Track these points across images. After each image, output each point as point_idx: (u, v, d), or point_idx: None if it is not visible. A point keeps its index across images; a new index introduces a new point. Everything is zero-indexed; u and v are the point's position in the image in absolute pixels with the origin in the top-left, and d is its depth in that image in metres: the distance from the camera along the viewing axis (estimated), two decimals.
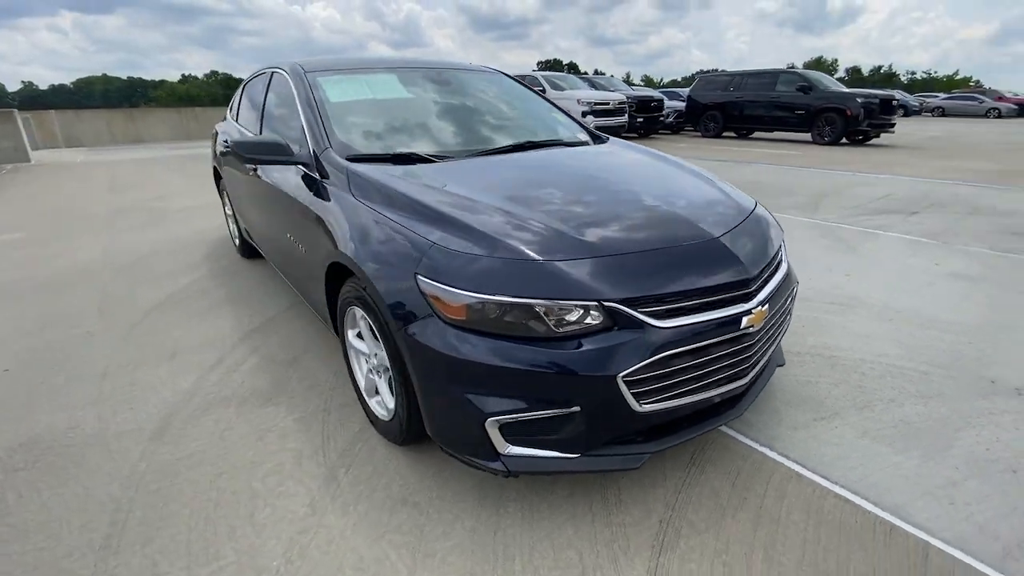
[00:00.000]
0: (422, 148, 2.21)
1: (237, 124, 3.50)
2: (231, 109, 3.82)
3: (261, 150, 2.13)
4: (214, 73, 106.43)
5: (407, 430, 1.72)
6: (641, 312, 1.40)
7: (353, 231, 1.74)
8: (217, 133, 4.01)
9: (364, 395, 2.01)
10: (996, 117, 26.44)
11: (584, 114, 12.22)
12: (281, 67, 2.73)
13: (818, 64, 67.12)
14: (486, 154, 2.23)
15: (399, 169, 1.95)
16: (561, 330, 1.38)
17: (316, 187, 2.07)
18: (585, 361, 1.36)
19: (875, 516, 1.57)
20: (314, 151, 2.14)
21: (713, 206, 1.84)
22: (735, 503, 1.63)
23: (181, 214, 5.82)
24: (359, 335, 1.99)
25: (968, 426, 1.97)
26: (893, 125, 12.69)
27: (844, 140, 12.44)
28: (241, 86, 3.69)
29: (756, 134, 14.88)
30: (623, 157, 2.35)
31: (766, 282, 1.66)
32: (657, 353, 1.40)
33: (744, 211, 1.87)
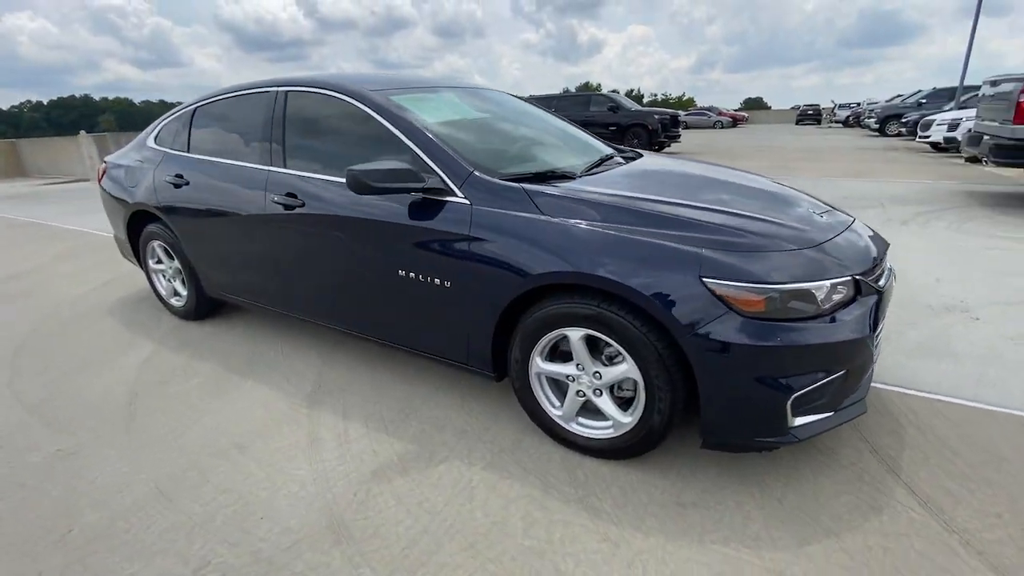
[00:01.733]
0: (537, 166, 2.19)
1: (194, 155, 2.84)
2: (167, 138, 3.06)
3: (395, 178, 1.88)
4: None
5: (659, 437, 1.74)
6: (870, 279, 1.71)
7: (581, 248, 1.68)
8: (136, 171, 3.15)
9: (560, 421, 1.93)
10: (720, 128, 34.57)
11: None
12: (327, 88, 2.33)
13: (586, 88, 79.07)
14: (598, 167, 2.31)
15: (575, 184, 1.94)
16: (827, 306, 1.60)
17: (460, 214, 1.90)
18: (857, 328, 1.61)
19: (981, 408, 2.14)
20: (447, 176, 1.96)
21: (811, 197, 2.26)
22: (895, 425, 2.05)
23: (15, 284, 4.28)
24: (548, 358, 1.91)
25: (949, 337, 2.77)
26: (680, 136, 15.76)
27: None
28: (186, 113, 2.98)
29: None
30: (692, 163, 2.65)
31: None
32: (881, 311, 1.73)
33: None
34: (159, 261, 3.28)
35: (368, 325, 2.35)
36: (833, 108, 34.17)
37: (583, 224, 1.73)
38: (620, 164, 2.43)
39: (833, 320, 1.60)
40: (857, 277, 1.66)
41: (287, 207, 2.36)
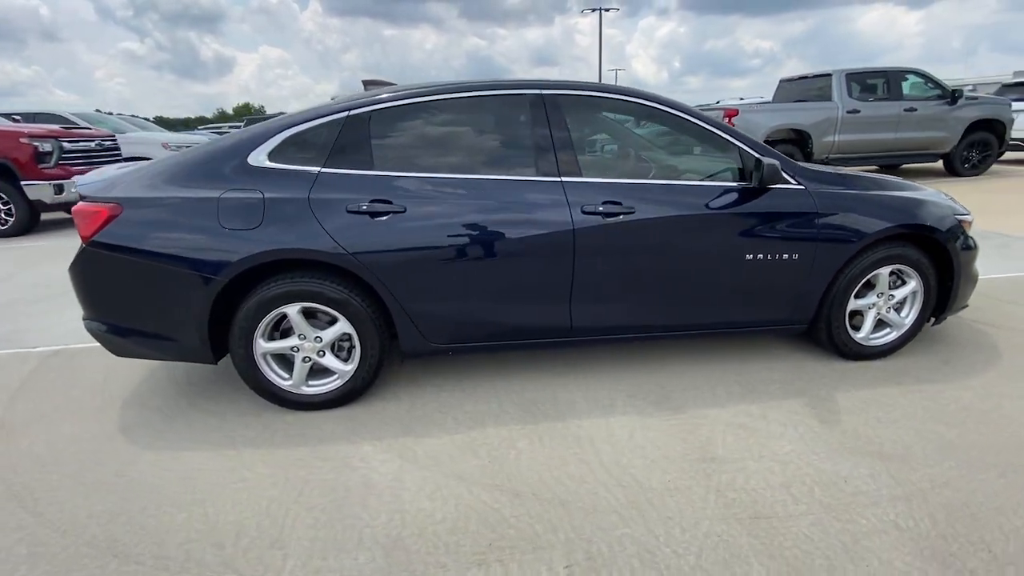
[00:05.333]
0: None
1: (403, 173, 2.17)
2: (304, 154, 2.13)
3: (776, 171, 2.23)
4: None
5: (921, 327, 2.67)
6: None
7: (901, 208, 2.44)
8: (243, 207, 2.04)
9: (863, 342, 2.62)
10: None
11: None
12: (623, 94, 2.34)
13: (247, 110, 72.42)
14: None
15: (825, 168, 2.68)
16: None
17: (802, 197, 2.38)
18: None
19: None
20: (769, 165, 2.33)
21: None
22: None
23: None
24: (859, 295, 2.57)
25: None
26: None
27: None
28: (351, 119, 2.16)
29: None
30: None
31: None
32: None
33: None
34: (279, 337, 2.21)
35: (696, 318, 2.44)
36: None
37: (885, 192, 2.49)
38: None
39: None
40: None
41: (607, 215, 2.21)
